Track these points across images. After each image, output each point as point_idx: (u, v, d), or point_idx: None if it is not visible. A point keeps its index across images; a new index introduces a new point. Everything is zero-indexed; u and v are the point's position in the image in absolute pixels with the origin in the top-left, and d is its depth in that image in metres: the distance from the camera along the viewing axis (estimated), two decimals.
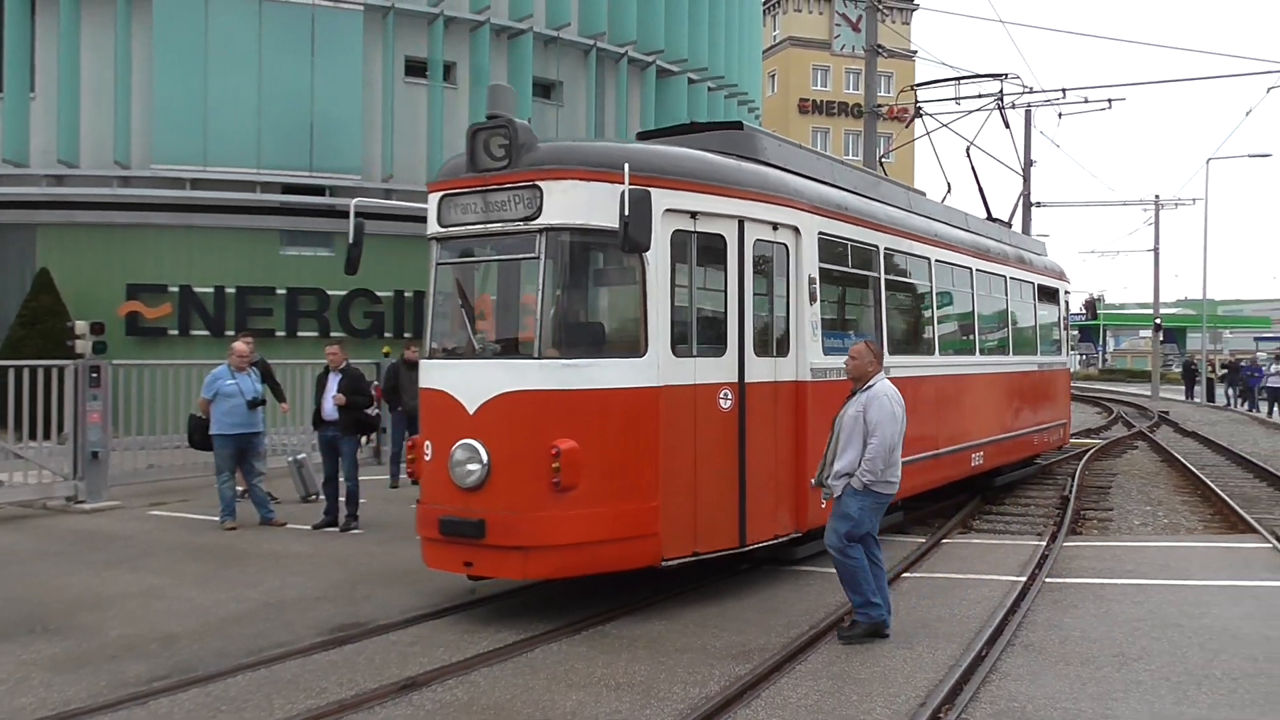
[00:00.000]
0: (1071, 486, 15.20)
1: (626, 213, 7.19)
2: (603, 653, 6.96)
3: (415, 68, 25.34)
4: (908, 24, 65.35)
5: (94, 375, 13.65)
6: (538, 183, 7.63)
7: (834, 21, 65.12)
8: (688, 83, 30.36)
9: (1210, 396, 42.51)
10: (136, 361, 16.85)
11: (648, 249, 7.45)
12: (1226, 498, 13.93)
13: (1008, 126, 19.16)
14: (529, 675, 6.48)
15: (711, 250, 8.35)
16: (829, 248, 9.76)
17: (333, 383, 12.11)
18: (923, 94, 19.17)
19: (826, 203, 9.83)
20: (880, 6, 20.95)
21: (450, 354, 8.20)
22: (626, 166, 7.35)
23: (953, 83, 18.97)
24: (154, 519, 12.64)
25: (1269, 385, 32.44)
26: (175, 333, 22.64)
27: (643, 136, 10.45)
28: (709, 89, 31.58)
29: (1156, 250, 49.21)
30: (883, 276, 10.97)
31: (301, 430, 16.26)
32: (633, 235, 7.22)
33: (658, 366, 7.79)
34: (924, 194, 13.92)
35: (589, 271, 8.28)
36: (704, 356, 8.19)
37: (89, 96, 23.08)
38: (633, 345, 7.80)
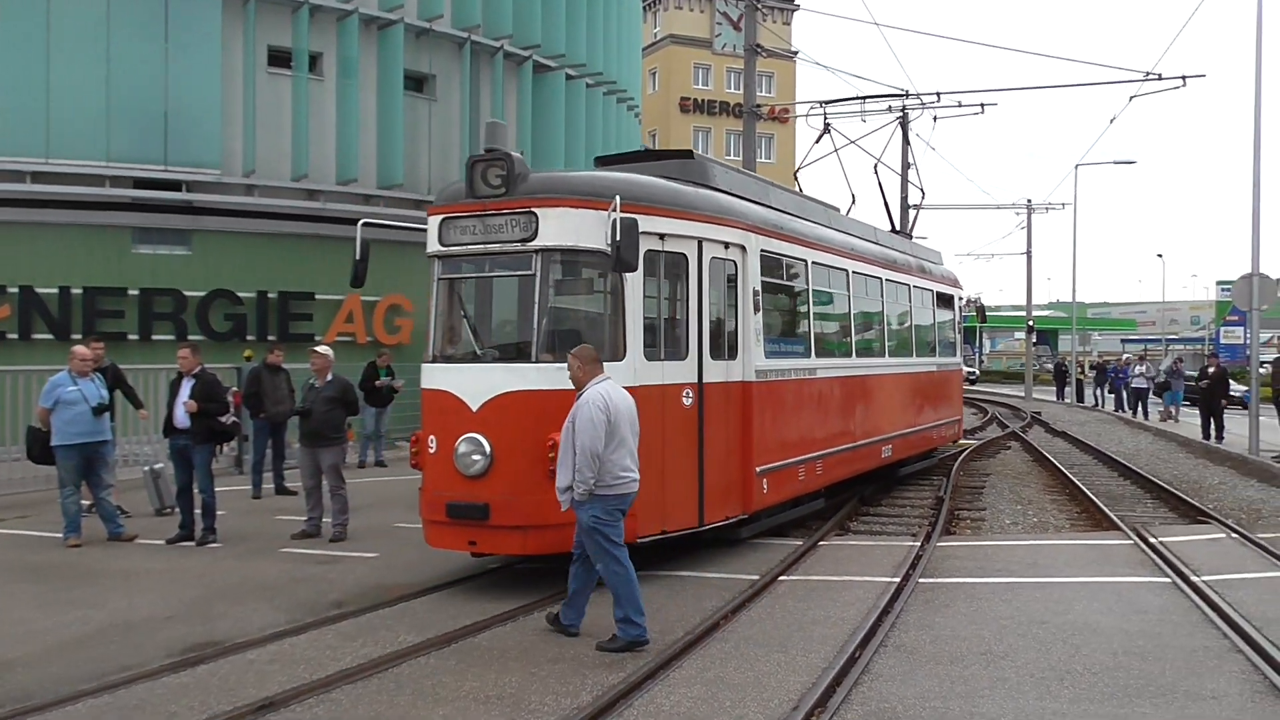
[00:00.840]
0: (946, 487, 15.68)
1: (619, 238, 8.45)
2: (473, 665, 6.90)
3: (279, 58, 24.66)
4: (788, 24, 66.54)
5: None
6: (534, 209, 8.89)
7: (715, 20, 65.80)
8: (565, 79, 30.31)
9: (1080, 397, 43.93)
10: None
11: (636, 269, 8.86)
12: (1093, 496, 14.52)
13: (907, 142, 20.62)
14: (394, 692, 6.37)
15: (676, 267, 9.69)
16: (768, 263, 11.14)
17: (185, 388, 11.70)
18: (810, 103, 20.40)
19: (766, 223, 11.23)
20: (760, 6, 21.28)
21: (453, 359, 9.40)
22: (618, 199, 8.66)
23: (858, 100, 20.48)
24: None
25: (1134, 386, 33.44)
26: (15, 337, 21.54)
27: (601, 162, 11.83)
28: (587, 85, 31.58)
29: (1029, 253, 51.01)
30: (810, 288, 12.41)
31: (158, 439, 15.67)
32: (624, 257, 8.52)
33: (634, 369, 9.05)
34: (839, 210, 15.20)
35: (577, 286, 9.59)
36: (670, 360, 9.54)
37: None
38: (614, 350, 9.03)
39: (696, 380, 9.73)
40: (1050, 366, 61.71)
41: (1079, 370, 47.68)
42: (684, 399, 9.61)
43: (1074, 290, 52.24)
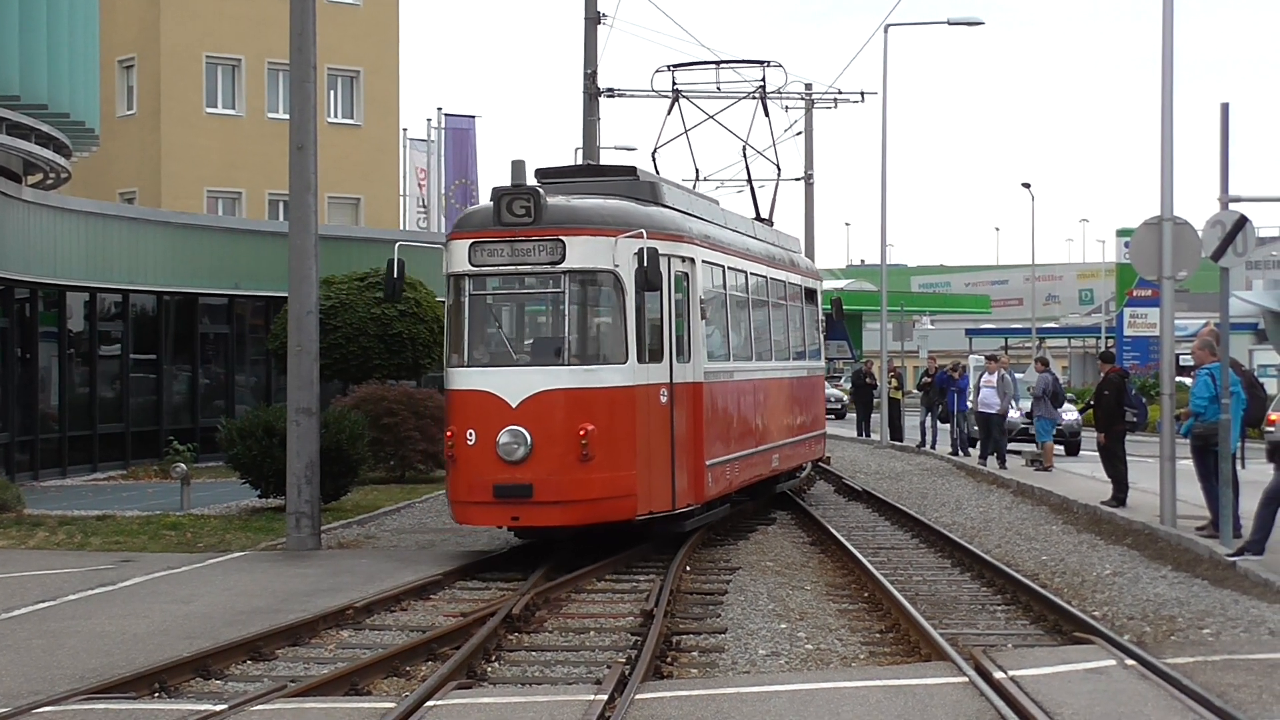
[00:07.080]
0: (661, 592, 12.37)
1: (646, 263, 13.25)
2: None
3: None
4: None
5: None
6: (561, 237, 13.53)
7: None
8: None
9: (895, 430, 34.29)
10: None
11: (661, 288, 13.85)
12: (905, 603, 12.01)
13: (768, 115, 22.72)
14: None
15: (655, 281, 13.84)
16: (705, 272, 15.39)
17: None
18: (680, 77, 21.94)
19: (703, 237, 15.58)
20: None
21: (486, 363, 14.15)
22: (644, 230, 13.60)
23: (712, 66, 22.85)
24: None
25: (980, 410, 25.92)
26: None
27: (544, 175, 15.46)
28: None
29: (809, 178, 37.03)
30: (727, 292, 16.52)
31: None
32: (651, 279, 13.41)
33: (634, 370, 13.70)
34: (719, 203, 19.52)
35: (594, 301, 14.47)
36: (652, 363, 13.99)
37: None
38: (621, 355, 13.82)
39: (669, 380, 14.09)
40: (849, 379, 46.30)
41: (893, 384, 34.96)
42: (661, 397, 13.97)
43: (883, 238, 36.67)
